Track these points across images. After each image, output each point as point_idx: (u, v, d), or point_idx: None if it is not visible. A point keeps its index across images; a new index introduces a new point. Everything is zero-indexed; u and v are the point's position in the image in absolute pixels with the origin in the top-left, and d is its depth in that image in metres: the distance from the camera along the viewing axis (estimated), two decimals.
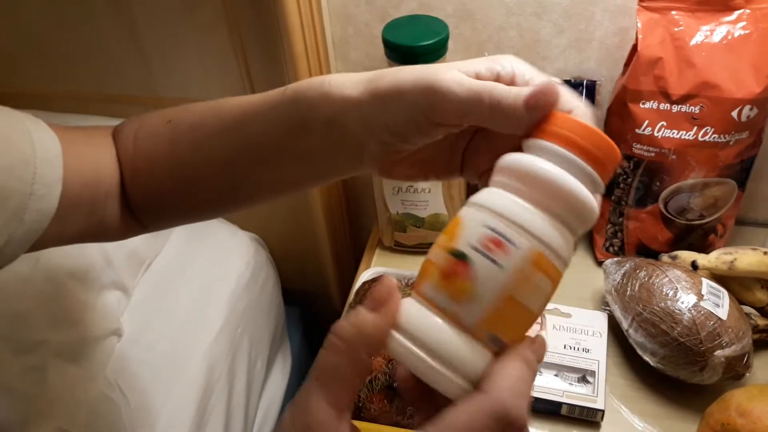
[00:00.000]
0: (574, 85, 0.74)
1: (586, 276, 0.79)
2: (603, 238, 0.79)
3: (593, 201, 0.32)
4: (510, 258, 0.31)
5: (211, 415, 0.77)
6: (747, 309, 0.68)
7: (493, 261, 0.31)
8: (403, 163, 0.40)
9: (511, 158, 0.33)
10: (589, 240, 0.83)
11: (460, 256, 0.31)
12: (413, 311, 0.32)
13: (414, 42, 0.67)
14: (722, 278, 0.67)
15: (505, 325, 0.32)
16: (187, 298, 0.83)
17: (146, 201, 0.48)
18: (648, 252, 0.76)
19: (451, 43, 0.70)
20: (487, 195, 0.33)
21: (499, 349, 0.32)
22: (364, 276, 0.78)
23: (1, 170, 0.37)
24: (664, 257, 0.72)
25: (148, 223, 0.50)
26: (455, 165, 0.42)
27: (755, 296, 0.67)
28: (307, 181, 0.46)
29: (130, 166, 0.47)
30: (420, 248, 0.84)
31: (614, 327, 0.70)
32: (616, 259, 0.72)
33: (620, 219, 0.76)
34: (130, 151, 0.47)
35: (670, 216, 0.73)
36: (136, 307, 0.79)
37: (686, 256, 0.70)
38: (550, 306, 0.72)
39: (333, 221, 0.95)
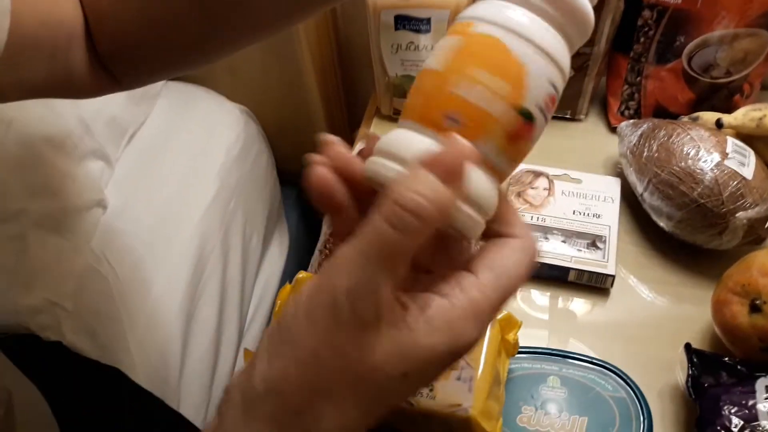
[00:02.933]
0: None
1: (598, 142, 0.74)
2: (618, 101, 0.73)
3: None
4: (551, 111, 0.29)
5: (205, 288, 0.75)
6: None
7: (545, 119, 0.28)
8: None
9: None
10: (602, 105, 0.77)
11: (528, 118, 0.27)
12: (481, 182, 0.27)
13: None
14: (749, 139, 0.62)
15: None
16: (174, 170, 0.79)
17: (116, 48, 0.42)
18: (666, 115, 0.71)
19: None
20: (544, 32, 0.28)
21: None
22: (361, 144, 0.73)
23: None
24: (685, 118, 0.67)
25: (122, 77, 0.45)
26: None
27: None
28: (291, 13, 0.40)
29: (95, 7, 0.41)
30: None
31: (627, 194, 0.66)
32: (631, 121, 0.67)
33: (638, 78, 0.70)
34: None
35: (693, 73, 0.67)
36: (121, 179, 0.75)
37: (709, 116, 0.65)
38: (558, 171, 0.68)
39: (327, 91, 0.89)
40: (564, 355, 0.51)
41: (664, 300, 0.61)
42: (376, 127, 0.80)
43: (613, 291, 0.61)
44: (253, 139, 0.90)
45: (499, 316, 0.46)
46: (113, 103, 0.76)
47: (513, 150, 0.28)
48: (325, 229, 0.62)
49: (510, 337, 0.47)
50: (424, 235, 0.25)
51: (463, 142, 0.26)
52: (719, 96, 0.69)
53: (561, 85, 0.28)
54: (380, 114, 0.81)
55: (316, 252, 0.62)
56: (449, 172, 0.25)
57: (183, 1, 0.39)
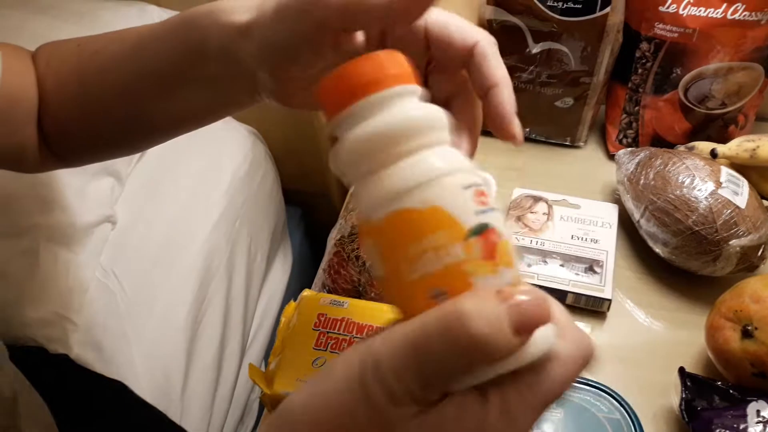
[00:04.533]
0: None
1: (596, 169, 0.76)
2: (616, 129, 0.75)
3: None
4: (489, 196, 0.27)
5: (209, 304, 0.77)
6: (767, 203, 0.65)
7: (492, 208, 0.27)
8: (303, 91, 0.37)
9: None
10: (601, 132, 0.79)
11: (480, 230, 0.25)
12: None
13: None
14: (742, 168, 0.64)
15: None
16: (183, 188, 0.80)
17: (57, 130, 0.46)
18: (663, 144, 0.72)
19: None
20: (408, 168, 0.26)
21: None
22: None
23: None
24: (681, 148, 0.69)
25: (64, 156, 0.48)
26: None
27: None
28: (210, 113, 0.43)
29: (43, 90, 0.45)
30: None
31: (624, 220, 0.68)
32: (629, 149, 0.69)
33: (636, 108, 0.72)
34: (42, 76, 0.45)
35: (689, 104, 0.69)
36: (130, 196, 0.76)
37: (704, 146, 0.66)
38: (557, 197, 0.69)
39: None
40: None
41: (660, 324, 0.62)
42: None
43: (610, 315, 0.63)
44: (260, 159, 0.92)
45: None
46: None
47: (506, 255, 0.26)
48: (329, 248, 0.64)
49: None
50: None
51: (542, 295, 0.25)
52: (714, 126, 0.71)
53: (472, 175, 0.27)
54: None
55: (320, 271, 0.63)
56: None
57: (111, 92, 0.42)
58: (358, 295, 0.59)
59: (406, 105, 0.27)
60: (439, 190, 0.25)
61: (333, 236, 0.64)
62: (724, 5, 0.62)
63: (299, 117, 0.91)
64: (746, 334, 0.51)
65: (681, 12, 0.63)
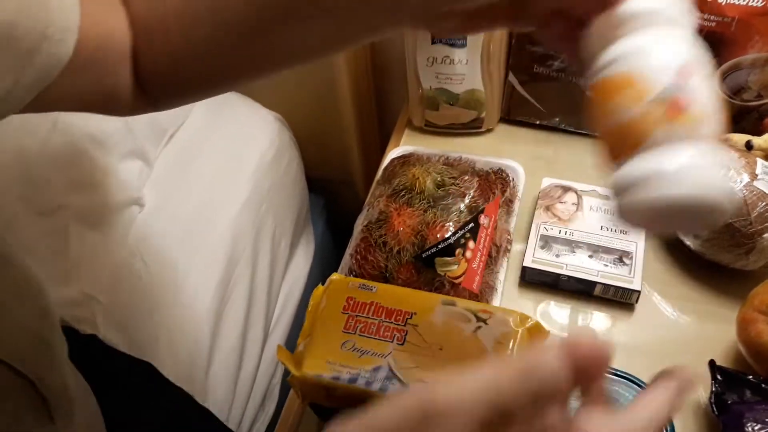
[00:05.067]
0: None
1: None
2: None
3: None
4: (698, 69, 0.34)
5: (234, 288, 0.77)
6: None
7: (691, 85, 0.32)
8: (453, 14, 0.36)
9: None
10: None
11: (666, 94, 0.32)
12: None
13: None
14: None
15: None
16: (210, 172, 0.81)
17: (160, 68, 0.43)
18: None
19: None
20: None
21: None
22: (393, 153, 0.74)
23: (16, 8, 0.34)
24: None
25: (159, 97, 0.46)
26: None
27: None
28: (336, 43, 0.41)
29: (143, 27, 0.42)
30: (452, 129, 0.80)
31: None
32: None
33: None
34: (143, 12, 0.42)
35: (725, 95, 0.68)
36: (158, 179, 0.77)
37: (739, 138, 0.65)
38: (587, 187, 0.69)
39: (360, 100, 0.91)
40: None
41: (688, 318, 0.61)
42: (407, 138, 0.82)
43: (637, 307, 0.62)
44: (285, 146, 0.92)
45: (528, 324, 0.47)
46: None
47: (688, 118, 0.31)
48: (356, 234, 0.63)
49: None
50: None
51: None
52: (749, 118, 0.69)
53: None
54: (412, 125, 0.82)
55: (347, 256, 0.63)
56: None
57: (227, 24, 0.39)
58: (386, 280, 0.59)
59: None
60: (638, 60, 0.33)
61: (360, 222, 0.64)
62: None
63: (326, 105, 0.90)
64: None
65: (720, 0, 0.62)
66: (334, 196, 1.11)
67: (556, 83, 0.74)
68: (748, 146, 0.63)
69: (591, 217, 0.66)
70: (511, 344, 0.46)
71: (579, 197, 0.68)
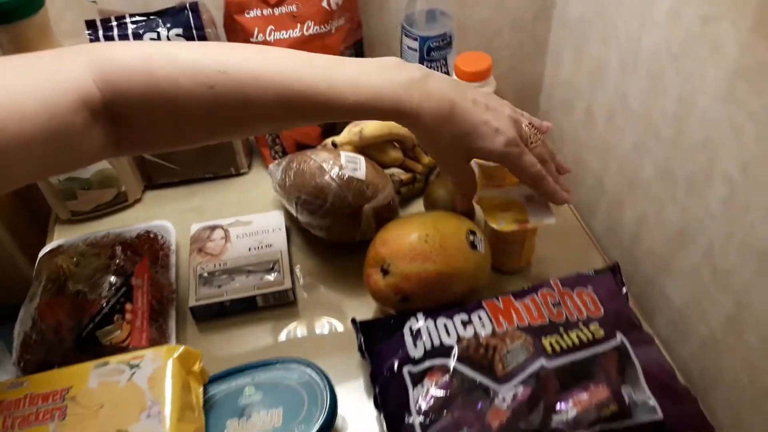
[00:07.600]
0: (179, 10, 0.75)
1: (262, 187, 0.85)
2: (267, 148, 0.85)
3: None
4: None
5: None
6: (392, 171, 0.79)
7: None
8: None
9: None
10: (260, 156, 0.89)
11: None
12: None
13: None
14: (362, 149, 0.77)
15: None
16: None
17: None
18: (305, 148, 0.84)
19: None
20: None
21: None
22: (41, 252, 0.75)
23: None
24: (319, 147, 0.80)
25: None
26: None
27: (390, 156, 0.78)
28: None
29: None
30: (99, 210, 0.82)
31: (292, 219, 0.77)
32: (277, 160, 0.79)
33: None
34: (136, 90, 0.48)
35: None
36: None
37: (328, 141, 0.79)
38: (230, 220, 0.77)
39: (5, 213, 0.89)
40: (253, 366, 0.58)
41: (341, 295, 0.72)
42: (59, 232, 0.82)
43: (301, 301, 0.71)
44: None
45: (176, 354, 0.53)
46: None
47: None
48: (15, 344, 0.63)
49: (195, 368, 0.54)
50: None
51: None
52: (340, 125, 0.84)
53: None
54: (60, 219, 0.83)
55: (10, 366, 0.62)
56: None
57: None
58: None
59: None
60: None
61: (18, 328, 0.64)
62: (298, 25, 0.74)
63: None
64: (385, 272, 0.62)
65: (269, 39, 0.75)
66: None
67: None
68: (334, 145, 0.76)
69: (239, 244, 0.74)
70: (166, 376, 0.51)
71: (225, 231, 0.76)
